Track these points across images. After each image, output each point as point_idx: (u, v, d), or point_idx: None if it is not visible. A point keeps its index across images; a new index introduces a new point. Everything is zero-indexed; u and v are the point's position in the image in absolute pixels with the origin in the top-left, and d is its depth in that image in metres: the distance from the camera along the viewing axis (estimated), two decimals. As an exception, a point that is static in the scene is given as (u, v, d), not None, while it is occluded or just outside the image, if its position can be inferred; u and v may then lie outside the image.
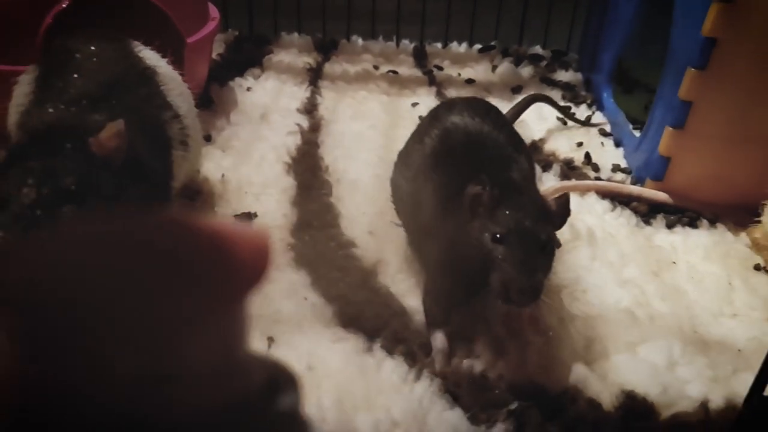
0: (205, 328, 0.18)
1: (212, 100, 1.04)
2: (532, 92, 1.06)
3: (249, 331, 0.20)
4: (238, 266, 0.19)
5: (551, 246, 0.55)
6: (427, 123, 0.73)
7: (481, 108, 0.71)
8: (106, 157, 0.52)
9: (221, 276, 0.18)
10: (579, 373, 0.57)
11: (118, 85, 0.61)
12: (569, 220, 0.80)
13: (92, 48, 0.63)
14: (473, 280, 0.56)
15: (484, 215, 0.56)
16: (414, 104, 1.10)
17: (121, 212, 0.20)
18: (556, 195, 0.84)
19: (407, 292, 0.67)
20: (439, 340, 0.60)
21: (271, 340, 0.60)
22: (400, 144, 0.96)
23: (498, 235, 0.54)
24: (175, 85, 0.70)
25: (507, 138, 0.67)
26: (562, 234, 0.77)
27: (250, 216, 0.78)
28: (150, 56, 0.69)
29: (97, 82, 0.59)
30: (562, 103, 1.13)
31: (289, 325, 0.62)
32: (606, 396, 0.55)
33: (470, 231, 0.56)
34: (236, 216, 0.78)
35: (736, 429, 0.45)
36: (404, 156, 0.74)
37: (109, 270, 0.17)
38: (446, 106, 0.74)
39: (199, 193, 0.81)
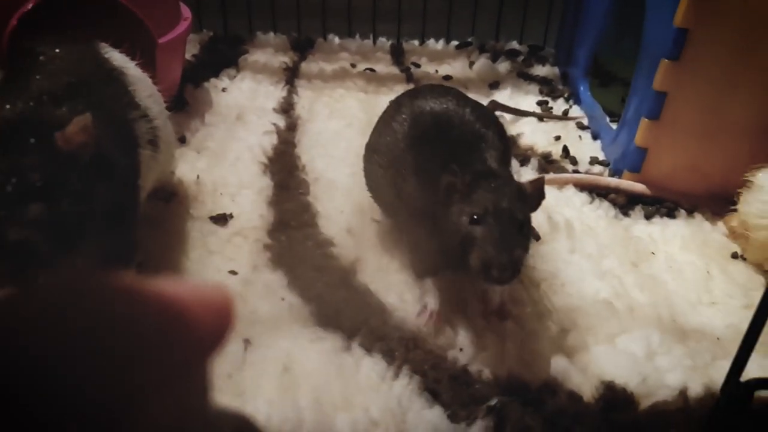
0: (165, 393, 0.18)
1: (186, 102, 1.02)
2: (492, 100, 1.06)
3: (213, 389, 0.19)
4: (198, 330, 0.18)
5: (528, 226, 0.56)
6: (395, 109, 0.73)
7: (447, 92, 0.71)
8: (72, 152, 0.51)
9: (180, 341, 0.18)
10: (559, 365, 0.57)
11: (83, 85, 0.59)
12: (547, 213, 0.80)
13: (57, 50, 0.62)
14: (454, 260, 0.56)
15: (459, 200, 0.56)
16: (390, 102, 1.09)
17: (79, 275, 0.19)
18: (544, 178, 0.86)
19: (386, 289, 0.67)
20: (428, 283, 0.62)
21: (247, 342, 0.59)
22: (378, 141, 0.96)
23: (475, 216, 0.54)
24: (144, 87, 0.69)
25: (477, 118, 0.67)
26: (541, 227, 0.77)
27: (225, 217, 0.77)
28: (117, 58, 0.68)
29: (61, 82, 0.58)
30: (539, 98, 1.13)
31: (265, 326, 0.61)
32: (586, 388, 0.55)
33: (448, 216, 0.57)
34: (211, 218, 0.76)
35: (714, 415, 0.45)
36: (375, 144, 0.74)
37: (65, 337, 0.16)
38: (412, 92, 0.75)
39: (173, 195, 0.80)
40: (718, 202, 0.83)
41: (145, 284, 0.18)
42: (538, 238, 0.76)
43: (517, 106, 1.09)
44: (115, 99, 0.63)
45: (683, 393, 0.54)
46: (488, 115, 0.71)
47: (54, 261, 0.51)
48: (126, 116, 0.63)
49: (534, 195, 0.58)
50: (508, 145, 0.69)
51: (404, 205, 0.67)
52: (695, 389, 0.55)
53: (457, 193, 0.56)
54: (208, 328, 0.19)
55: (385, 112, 0.76)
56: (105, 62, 0.65)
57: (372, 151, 0.74)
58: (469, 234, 0.54)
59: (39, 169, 0.49)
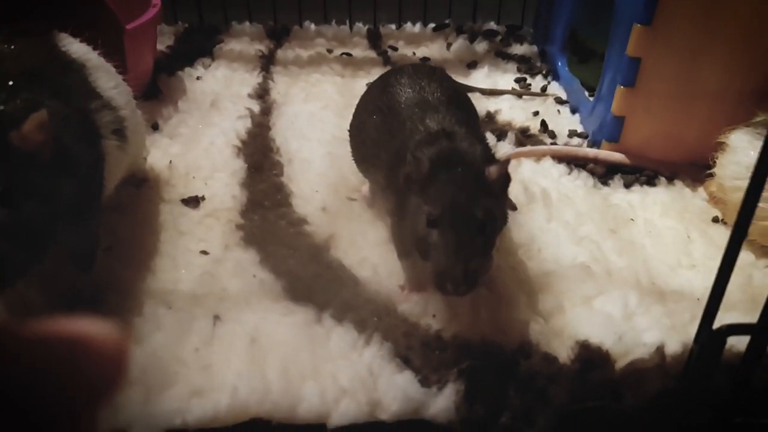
0: None
1: (160, 90, 1.01)
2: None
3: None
4: (86, 377, 0.18)
5: (491, 223, 0.52)
6: (375, 85, 0.74)
7: (429, 70, 0.71)
8: (31, 151, 0.49)
9: (68, 388, 0.17)
10: (534, 328, 0.56)
11: (37, 78, 0.57)
12: (524, 184, 0.79)
13: (9, 43, 0.60)
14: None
15: (418, 192, 0.53)
16: (369, 84, 1.08)
17: None
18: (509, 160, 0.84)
19: (360, 263, 0.66)
20: (405, 264, 0.61)
21: (216, 318, 0.57)
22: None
23: (431, 218, 0.51)
24: (108, 77, 0.66)
25: (444, 94, 0.66)
26: (517, 198, 0.76)
27: (197, 199, 0.76)
28: (77, 49, 0.65)
29: (13, 74, 0.55)
30: (517, 75, 1.12)
31: (235, 302, 0.60)
32: (562, 350, 0.54)
33: (407, 209, 0.54)
34: (183, 200, 0.75)
35: (687, 365, 0.44)
36: (357, 119, 0.74)
37: None
38: (394, 70, 0.74)
39: (144, 181, 0.78)
40: (697, 169, 0.82)
41: (31, 328, 0.18)
42: (514, 208, 0.74)
43: (495, 85, 1.09)
44: (73, 90, 0.61)
45: (660, 350, 0.53)
46: (459, 90, 0.71)
47: (26, 268, 0.49)
48: (86, 107, 0.61)
49: (498, 180, 0.53)
50: (477, 116, 0.69)
51: (380, 182, 0.67)
52: (673, 347, 0.54)
53: (414, 184, 0.53)
54: (97, 374, 0.18)
55: (367, 90, 0.77)
56: (62, 54, 0.63)
57: (355, 126, 0.74)
58: (424, 238, 0.51)
59: None
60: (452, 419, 0.48)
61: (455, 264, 0.49)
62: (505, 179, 0.54)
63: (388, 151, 0.63)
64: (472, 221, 0.50)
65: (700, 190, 0.82)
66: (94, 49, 0.68)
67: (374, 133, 0.67)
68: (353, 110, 0.98)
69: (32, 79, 0.56)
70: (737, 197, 0.73)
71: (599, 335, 0.55)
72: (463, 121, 0.61)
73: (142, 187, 0.78)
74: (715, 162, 0.77)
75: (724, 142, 0.75)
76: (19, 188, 0.48)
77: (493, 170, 0.53)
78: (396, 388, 0.49)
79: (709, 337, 0.42)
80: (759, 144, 0.71)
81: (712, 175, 0.78)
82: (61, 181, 0.52)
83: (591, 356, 0.52)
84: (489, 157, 0.58)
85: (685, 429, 0.49)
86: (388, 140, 0.64)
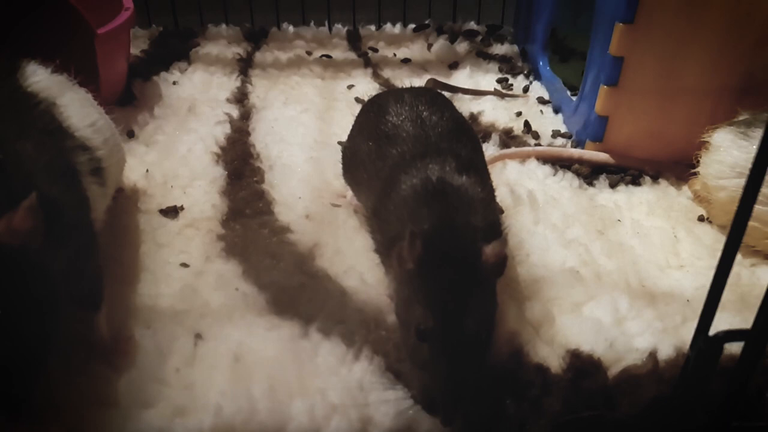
0: None
1: (134, 96, 0.98)
2: (431, 77, 1.03)
3: None
4: None
5: (487, 331, 0.47)
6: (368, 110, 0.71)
7: (421, 97, 0.67)
8: (22, 243, 0.42)
9: None
10: (524, 338, 0.55)
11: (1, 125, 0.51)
12: (510, 187, 0.78)
13: None
14: None
15: (409, 281, 0.48)
16: (350, 86, 1.07)
17: None
18: (495, 163, 0.82)
19: (346, 272, 0.64)
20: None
21: (198, 336, 0.55)
22: (336, 126, 0.94)
23: (422, 331, 0.45)
24: (82, 114, 0.60)
25: (446, 127, 0.62)
26: (504, 201, 0.75)
27: (176, 209, 0.73)
28: (47, 86, 0.59)
29: None
30: (499, 76, 1.11)
31: (217, 318, 0.58)
32: (553, 359, 0.53)
33: (400, 295, 0.50)
34: (161, 210, 0.73)
35: (683, 373, 0.43)
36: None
37: None
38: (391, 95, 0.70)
39: (120, 191, 0.76)
40: (681, 167, 0.82)
41: None
42: (501, 212, 0.73)
43: (477, 85, 1.08)
44: (45, 133, 0.54)
45: (653, 355, 0.52)
46: (461, 121, 0.68)
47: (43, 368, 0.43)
48: (60, 148, 0.54)
49: (494, 265, 0.48)
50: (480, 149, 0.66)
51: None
52: (666, 351, 0.53)
53: (407, 268, 0.48)
54: None
55: (364, 111, 0.74)
56: (27, 96, 0.56)
57: (348, 149, 0.72)
58: (415, 349, 0.46)
59: None
60: (446, 435, 0.47)
61: (446, 392, 0.44)
62: (502, 262, 0.48)
63: (380, 179, 0.60)
64: (466, 336, 0.45)
65: (685, 188, 0.82)
66: (69, 74, 0.63)
67: (368, 160, 0.64)
68: (335, 113, 0.97)
69: None
70: (722, 196, 0.72)
71: (590, 342, 0.54)
72: (465, 164, 0.57)
73: (118, 197, 0.75)
74: (698, 161, 0.76)
75: (707, 141, 0.75)
76: (12, 289, 0.41)
77: (490, 252, 0.48)
78: (388, 404, 0.48)
79: (705, 343, 0.41)
80: (742, 143, 0.72)
81: (696, 174, 0.77)
82: (56, 256, 0.45)
83: (583, 365, 0.51)
84: (489, 209, 0.55)
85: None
86: (382, 169, 0.60)
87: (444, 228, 0.50)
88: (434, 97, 0.69)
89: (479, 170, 0.59)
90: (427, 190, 0.54)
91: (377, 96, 0.74)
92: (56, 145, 0.54)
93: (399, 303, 0.50)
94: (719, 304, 0.43)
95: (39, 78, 0.59)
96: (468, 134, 0.65)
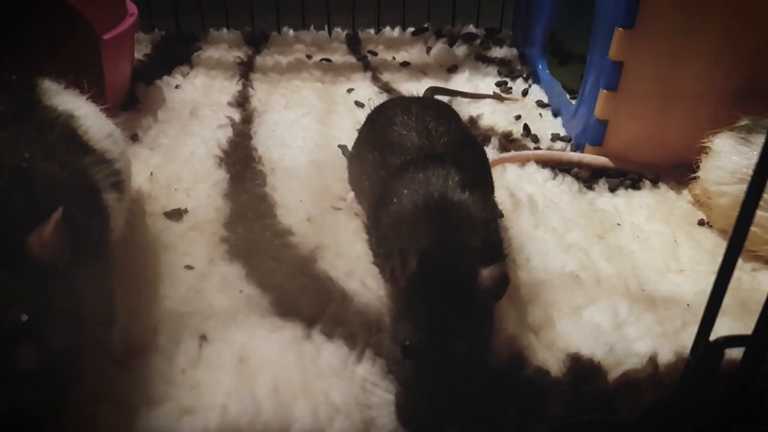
0: None
1: (138, 100, 0.99)
2: (431, 85, 1.03)
3: None
4: None
5: (478, 355, 0.45)
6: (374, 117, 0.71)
7: (428, 107, 0.67)
8: (51, 262, 0.41)
9: None
10: (524, 342, 0.55)
11: (22, 141, 0.50)
12: (509, 190, 0.79)
13: None
14: None
15: (399, 299, 0.48)
16: (349, 90, 1.07)
17: None
18: (495, 167, 0.83)
19: (347, 275, 0.65)
20: None
21: (203, 338, 0.56)
22: (336, 129, 0.94)
23: (407, 347, 0.45)
24: (99, 126, 0.60)
25: (452, 139, 0.62)
26: (503, 204, 0.76)
27: (180, 212, 0.74)
28: (64, 99, 0.58)
29: None
30: (498, 79, 1.12)
31: (222, 320, 0.58)
32: (553, 363, 0.53)
33: (393, 310, 0.49)
34: (165, 213, 0.74)
35: (684, 377, 0.44)
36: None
37: None
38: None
39: (125, 194, 0.76)
40: (681, 171, 0.83)
41: None
42: (501, 215, 0.74)
43: (476, 89, 1.08)
44: (62, 147, 0.53)
45: (653, 359, 0.52)
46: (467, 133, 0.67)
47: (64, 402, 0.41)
48: (78, 164, 0.53)
49: (492, 288, 0.47)
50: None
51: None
52: (665, 356, 0.53)
53: (398, 286, 0.48)
54: None
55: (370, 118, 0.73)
56: (46, 109, 0.55)
57: (354, 156, 0.72)
58: (399, 367, 0.46)
59: (18, 297, 0.38)
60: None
61: (424, 413, 0.43)
62: (501, 285, 0.47)
63: (380, 189, 0.60)
64: (453, 357, 0.44)
65: (685, 192, 0.83)
66: (80, 92, 0.62)
67: (370, 168, 0.64)
68: (335, 117, 0.98)
69: (17, 145, 0.48)
70: (722, 202, 0.73)
71: (590, 347, 0.54)
72: (468, 178, 0.56)
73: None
74: (699, 166, 0.77)
75: (708, 146, 0.75)
76: (44, 313, 0.39)
77: (487, 276, 0.47)
78: (390, 406, 0.48)
79: (706, 349, 0.42)
80: (742, 149, 0.72)
81: (696, 178, 0.78)
82: (83, 277, 0.44)
83: (583, 369, 0.52)
84: (491, 230, 0.53)
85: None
86: (383, 179, 0.60)
87: (441, 247, 0.49)
88: (441, 108, 0.69)
89: (484, 186, 0.58)
90: (428, 205, 0.53)
91: (383, 104, 0.74)
92: (78, 161, 0.53)
93: (390, 319, 0.50)
94: (721, 308, 0.43)
95: (55, 92, 0.59)
96: (474, 147, 0.64)
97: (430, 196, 0.53)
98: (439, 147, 0.60)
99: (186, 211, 0.74)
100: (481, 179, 0.59)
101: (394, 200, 0.56)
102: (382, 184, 0.60)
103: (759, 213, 0.68)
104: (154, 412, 0.48)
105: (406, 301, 0.47)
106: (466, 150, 0.62)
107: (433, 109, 0.67)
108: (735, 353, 0.46)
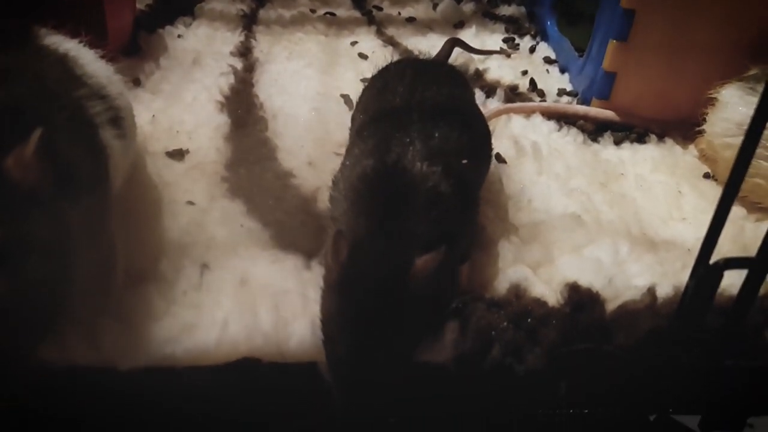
0: None
1: (140, 47, 0.98)
2: (450, 37, 1.00)
3: None
4: None
5: (403, 361, 0.43)
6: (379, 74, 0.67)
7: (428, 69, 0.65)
8: (32, 186, 0.39)
9: None
10: (522, 275, 0.55)
11: (13, 72, 0.48)
12: (514, 139, 0.78)
13: None
14: None
15: (330, 291, 0.44)
16: (353, 43, 1.06)
17: None
18: (500, 116, 0.82)
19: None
20: None
21: (204, 266, 0.56)
22: (339, 80, 0.94)
23: (333, 357, 0.43)
24: (95, 65, 0.58)
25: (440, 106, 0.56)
26: (507, 152, 0.75)
27: (182, 153, 0.74)
28: (60, 42, 0.57)
29: None
30: (505, 36, 1.11)
31: (223, 251, 0.58)
32: (551, 295, 0.53)
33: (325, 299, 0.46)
34: (167, 153, 0.73)
35: (682, 302, 0.44)
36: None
37: None
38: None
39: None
40: (688, 127, 0.81)
41: None
42: (504, 161, 0.73)
43: (483, 45, 1.07)
44: (57, 81, 0.51)
45: (651, 291, 0.52)
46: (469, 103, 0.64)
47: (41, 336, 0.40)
48: (72, 95, 0.52)
49: (423, 283, 0.42)
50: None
51: None
52: (664, 290, 0.53)
53: (332, 276, 0.44)
54: None
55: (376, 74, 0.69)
56: (42, 48, 0.54)
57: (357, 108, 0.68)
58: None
59: None
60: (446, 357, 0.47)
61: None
62: (436, 278, 0.42)
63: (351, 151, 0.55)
64: (376, 367, 0.42)
65: (691, 147, 0.82)
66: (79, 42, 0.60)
67: (360, 129, 0.59)
68: (338, 68, 0.97)
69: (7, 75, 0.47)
70: (728, 155, 0.72)
71: (589, 279, 0.54)
72: (435, 149, 0.49)
73: (124, 140, 0.75)
74: (705, 119, 0.76)
75: (715, 98, 0.74)
76: (19, 241, 0.37)
77: (419, 268, 0.42)
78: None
79: (706, 270, 0.42)
80: (750, 99, 0.71)
81: (702, 132, 0.77)
82: (68, 209, 0.42)
83: (581, 298, 0.52)
84: (449, 211, 0.47)
85: (674, 370, 0.49)
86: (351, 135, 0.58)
87: (378, 232, 0.43)
88: (444, 74, 0.64)
89: (460, 163, 0.50)
90: (377, 175, 0.47)
91: (388, 64, 0.69)
92: (71, 93, 0.52)
93: (322, 307, 0.46)
94: (722, 254, 0.42)
95: (52, 37, 0.57)
96: (468, 121, 0.57)
97: (381, 164, 0.47)
98: (417, 114, 0.53)
99: (187, 151, 0.74)
100: (457, 153, 0.51)
101: (347, 162, 0.52)
102: (354, 145, 0.55)
103: (764, 164, 0.68)
104: (155, 326, 0.48)
105: (334, 296, 0.43)
106: (451, 121, 0.53)
107: (430, 75, 0.62)
108: (733, 289, 0.46)
